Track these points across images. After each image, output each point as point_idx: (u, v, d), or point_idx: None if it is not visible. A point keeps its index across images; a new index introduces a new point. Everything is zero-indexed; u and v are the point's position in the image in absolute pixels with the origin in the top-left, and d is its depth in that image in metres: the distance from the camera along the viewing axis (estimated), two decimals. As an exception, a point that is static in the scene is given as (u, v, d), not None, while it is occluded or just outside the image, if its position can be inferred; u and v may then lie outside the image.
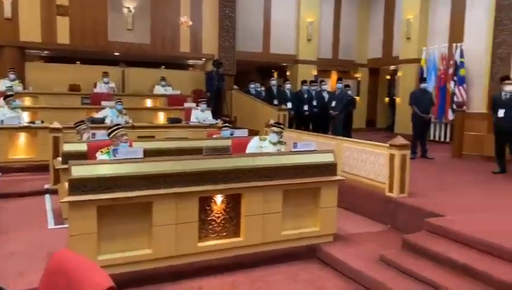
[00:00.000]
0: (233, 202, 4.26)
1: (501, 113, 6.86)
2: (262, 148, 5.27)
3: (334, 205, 4.71)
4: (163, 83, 11.42)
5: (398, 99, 12.81)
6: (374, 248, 4.43)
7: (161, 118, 9.87)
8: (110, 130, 4.76)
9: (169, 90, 11.33)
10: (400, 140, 5.40)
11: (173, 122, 8.65)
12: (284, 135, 5.67)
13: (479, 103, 10.55)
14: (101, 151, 4.62)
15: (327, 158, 4.72)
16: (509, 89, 6.87)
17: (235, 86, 12.07)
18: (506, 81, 6.93)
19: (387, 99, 15.25)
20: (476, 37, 10.68)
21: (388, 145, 5.47)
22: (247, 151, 5.38)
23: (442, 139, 11.45)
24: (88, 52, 11.59)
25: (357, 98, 14.35)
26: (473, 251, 3.79)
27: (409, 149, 5.48)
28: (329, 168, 4.68)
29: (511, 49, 9.75)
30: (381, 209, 5.51)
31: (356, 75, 14.90)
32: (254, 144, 5.42)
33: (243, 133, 6.19)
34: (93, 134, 5.75)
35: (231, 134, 6.08)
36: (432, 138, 11.60)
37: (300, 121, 10.53)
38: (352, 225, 5.28)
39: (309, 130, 10.06)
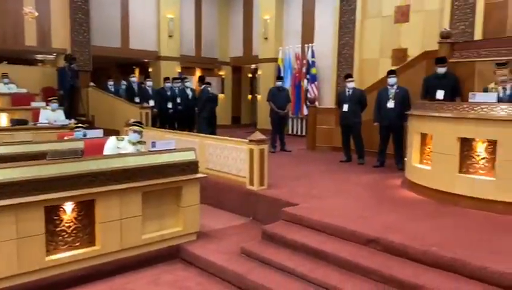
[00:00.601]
0: (86, 208, 3.95)
1: (345, 107, 7.62)
2: (120, 149, 4.98)
3: (197, 203, 4.69)
4: (5, 80, 10.08)
5: (259, 97, 13.40)
6: (237, 241, 4.53)
7: (3, 120, 8.70)
8: None
9: (13, 89, 10.05)
10: (258, 135, 5.62)
11: (18, 124, 7.69)
12: (145, 134, 5.46)
13: (328, 99, 11.64)
14: None
15: (188, 156, 4.67)
16: (352, 86, 7.66)
17: (91, 83, 11.25)
18: (348, 79, 7.70)
19: (250, 96, 15.86)
20: (324, 39, 11.73)
21: (248, 140, 5.65)
22: (104, 152, 5.03)
23: (299, 133, 12.32)
24: None
25: (222, 95, 14.63)
26: (323, 235, 4.12)
27: (267, 144, 5.73)
28: (190, 167, 4.64)
29: (353, 50, 10.95)
30: (243, 202, 5.68)
31: (220, 73, 15.17)
32: (111, 145, 5.09)
33: (98, 133, 5.78)
34: None
35: (84, 135, 5.63)
36: (290, 132, 12.42)
37: (164, 119, 10.29)
38: (217, 221, 5.33)
39: (174, 128, 9.90)
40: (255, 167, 5.54)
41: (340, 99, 7.86)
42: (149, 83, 10.52)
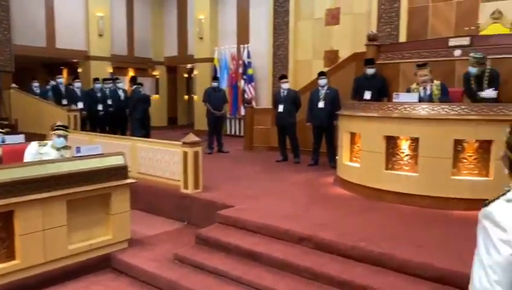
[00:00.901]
0: (4, 221, 3.66)
1: (280, 108, 7.72)
2: (43, 155, 4.67)
3: (127, 209, 4.51)
4: None
5: (195, 97, 13.24)
6: (170, 248, 4.42)
7: None
8: None
9: None
10: (192, 137, 5.52)
11: None
12: (73, 139, 5.17)
13: (265, 99, 11.74)
14: None
15: (116, 161, 4.47)
16: (286, 87, 7.77)
17: (14, 85, 10.50)
18: (283, 80, 7.81)
19: (186, 97, 15.64)
20: (259, 40, 11.80)
21: (181, 143, 5.54)
22: (25, 159, 4.70)
23: (237, 134, 12.33)
24: None
25: (157, 96, 14.30)
26: (258, 236, 4.13)
27: (201, 146, 5.64)
28: (119, 172, 4.45)
29: (288, 51, 11.13)
30: (177, 207, 5.56)
31: (154, 73, 14.81)
32: (32, 151, 4.75)
33: (19, 139, 5.37)
34: None
35: (3, 141, 5.22)
36: (228, 132, 12.40)
37: (94, 122, 9.81)
38: (150, 227, 5.18)
39: (105, 131, 9.49)
40: (189, 169, 5.45)
41: (275, 99, 7.96)
42: (77, 84, 9.98)
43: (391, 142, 5.06)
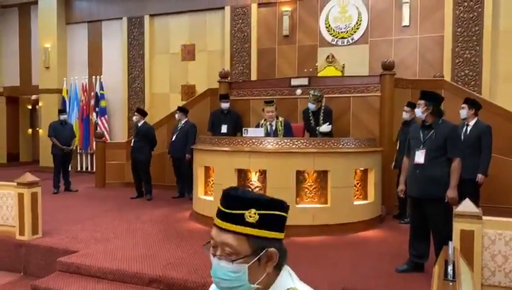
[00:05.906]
0: None
1: (132, 142, 7.49)
2: None
3: None
4: None
5: (41, 131, 12.05)
6: (-1, 306, 3.83)
7: None
8: None
9: None
10: (29, 177, 4.96)
11: None
12: None
13: (120, 133, 11.28)
14: None
15: None
16: (136, 120, 7.52)
17: None
18: (135, 114, 7.58)
19: (30, 130, 14.14)
20: (113, 71, 11.39)
21: (16, 184, 4.93)
22: None
23: (89, 170, 11.51)
24: None
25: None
26: (104, 282, 3.84)
27: (40, 186, 5.08)
28: None
29: (144, 84, 10.97)
30: (12, 256, 4.88)
31: (-10, 104, 13.10)
32: None
33: None
34: None
35: None
36: (79, 169, 11.53)
37: None
38: (-26, 284, 4.42)
39: None
40: (26, 213, 4.84)
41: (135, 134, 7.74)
42: None
43: (242, 175, 5.26)
